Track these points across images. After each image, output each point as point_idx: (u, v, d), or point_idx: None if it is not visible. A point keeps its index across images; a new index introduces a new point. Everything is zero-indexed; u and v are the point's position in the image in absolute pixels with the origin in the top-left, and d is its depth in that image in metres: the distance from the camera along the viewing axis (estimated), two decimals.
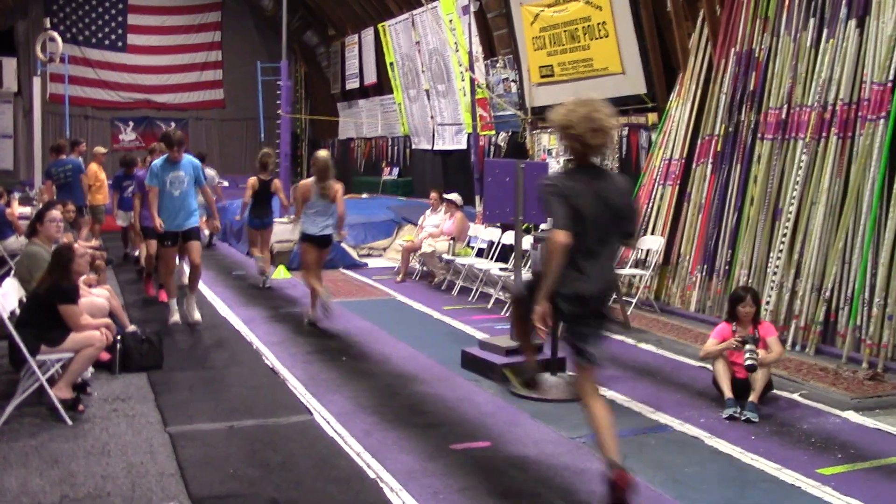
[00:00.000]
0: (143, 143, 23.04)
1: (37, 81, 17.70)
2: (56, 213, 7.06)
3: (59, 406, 5.37)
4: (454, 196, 11.76)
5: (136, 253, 11.26)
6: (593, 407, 4.22)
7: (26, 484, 4.39)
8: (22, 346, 5.34)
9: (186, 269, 8.94)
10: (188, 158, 8.18)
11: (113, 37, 24.49)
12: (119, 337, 6.55)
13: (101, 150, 13.44)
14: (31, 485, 4.39)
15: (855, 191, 7.39)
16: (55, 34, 16.70)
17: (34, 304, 5.72)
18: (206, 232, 12.53)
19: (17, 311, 5.91)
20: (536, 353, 5.69)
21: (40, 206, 9.00)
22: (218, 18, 25.65)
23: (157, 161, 8.18)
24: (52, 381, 5.56)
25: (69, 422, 5.31)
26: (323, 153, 8.68)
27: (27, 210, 11.60)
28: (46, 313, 5.61)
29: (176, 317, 8.21)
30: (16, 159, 22.94)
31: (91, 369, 6.14)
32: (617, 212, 4.21)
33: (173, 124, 24.95)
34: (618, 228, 4.26)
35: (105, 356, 6.35)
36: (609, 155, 11.01)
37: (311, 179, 8.39)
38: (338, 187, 8.42)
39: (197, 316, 8.20)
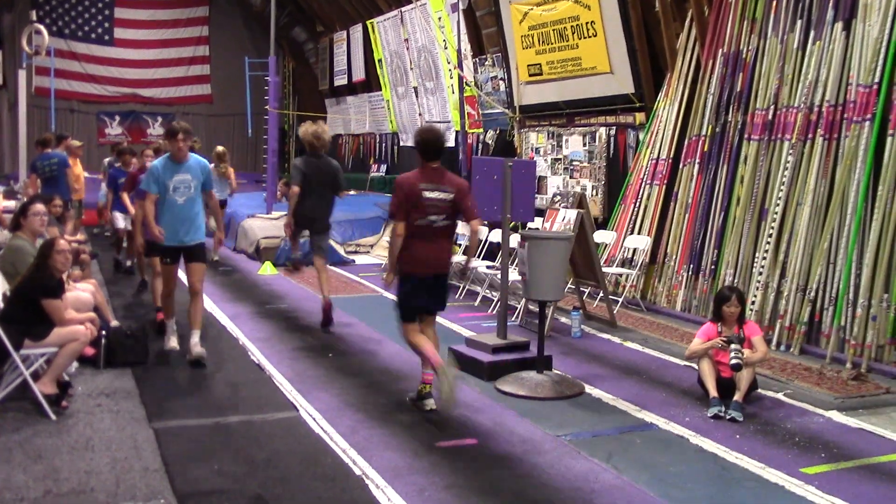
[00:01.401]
0: (130, 138, 22.92)
1: (22, 74, 17.53)
2: (40, 206, 7.01)
3: (42, 401, 5.34)
4: None
5: (129, 263, 10.85)
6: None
7: (9, 479, 4.36)
8: (5, 340, 5.30)
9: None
10: (195, 158, 6.88)
11: (100, 30, 24.34)
12: (104, 332, 6.51)
13: (75, 143, 13.30)
14: (15, 480, 4.35)
15: (840, 192, 7.44)
16: (41, 27, 16.54)
17: (18, 299, 5.68)
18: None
19: (1, 305, 5.86)
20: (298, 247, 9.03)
21: (25, 199, 8.94)
22: (206, 13, 25.54)
23: (158, 161, 6.86)
24: (35, 376, 5.53)
25: (53, 417, 5.28)
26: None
27: (11, 204, 11.51)
28: (30, 308, 5.57)
29: (173, 342, 7.10)
30: (0, 153, 22.77)
31: (76, 364, 6.11)
32: (330, 177, 8.27)
33: (160, 119, 24.86)
34: (331, 187, 8.28)
35: (90, 351, 6.31)
36: (599, 155, 11.04)
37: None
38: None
39: (199, 350, 6.72)
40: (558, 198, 9.24)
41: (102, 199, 12.82)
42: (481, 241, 7.53)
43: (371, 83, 19.91)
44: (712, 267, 8.80)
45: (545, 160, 12.13)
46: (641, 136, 10.30)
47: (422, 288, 5.71)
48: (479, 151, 14.49)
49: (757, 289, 8.05)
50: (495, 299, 9.09)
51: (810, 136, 7.87)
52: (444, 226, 5.66)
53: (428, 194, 5.56)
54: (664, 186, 9.72)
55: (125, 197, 9.73)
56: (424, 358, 5.67)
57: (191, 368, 6.63)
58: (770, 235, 8.06)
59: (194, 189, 6.75)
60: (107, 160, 13.06)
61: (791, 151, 8.02)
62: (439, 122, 16.36)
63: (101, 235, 14.20)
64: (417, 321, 5.80)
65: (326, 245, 8.85)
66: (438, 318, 8.44)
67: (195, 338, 6.76)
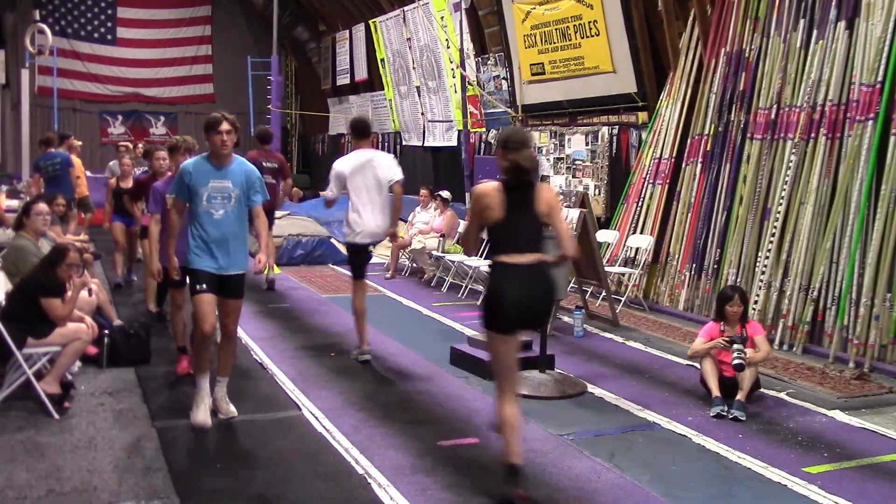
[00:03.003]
0: (132, 137, 22.92)
1: (25, 74, 17.56)
2: (43, 206, 7.02)
3: (45, 400, 5.34)
4: (446, 193, 11.76)
5: (134, 277, 10.03)
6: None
7: (12, 478, 4.37)
8: (8, 338, 5.31)
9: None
10: (240, 161, 5.35)
11: (102, 30, 24.34)
12: (106, 331, 6.52)
13: (76, 142, 13.49)
14: (17, 479, 4.36)
15: (843, 191, 7.43)
16: (44, 26, 16.59)
17: (19, 297, 5.69)
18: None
19: (3, 304, 5.86)
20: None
21: (28, 199, 8.95)
22: (208, 13, 25.52)
23: (191, 161, 5.34)
24: (38, 375, 5.53)
25: (56, 416, 5.29)
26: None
27: (14, 203, 11.52)
28: (32, 306, 5.57)
29: (202, 414, 5.19)
30: (3, 152, 22.77)
31: (78, 363, 6.12)
32: None
33: (162, 118, 24.88)
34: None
35: (92, 350, 6.32)
36: (601, 154, 11.04)
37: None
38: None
39: (231, 409, 5.37)
40: (561, 197, 9.24)
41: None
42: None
43: (373, 82, 19.90)
44: (715, 266, 8.79)
45: (548, 159, 12.12)
46: (644, 136, 10.29)
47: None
48: (482, 151, 14.48)
49: (760, 288, 8.04)
50: None
51: (813, 135, 7.86)
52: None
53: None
54: (667, 186, 9.71)
55: (136, 208, 8.60)
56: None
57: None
58: (773, 235, 8.05)
59: (235, 201, 5.19)
60: (112, 163, 12.87)
61: (794, 151, 8.01)
62: (442, 121, 16.36)
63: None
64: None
65: None
66: (440, 318, 8.51)
67: (221, 390, 5.36)
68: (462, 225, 11.54)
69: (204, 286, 5.15)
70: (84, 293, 6.79)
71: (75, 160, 12.58)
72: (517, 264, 4.20)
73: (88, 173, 13.99)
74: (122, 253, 9.94)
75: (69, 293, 5.78)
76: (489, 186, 4.30)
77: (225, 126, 5.14)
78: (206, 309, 5.15)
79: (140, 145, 12.51)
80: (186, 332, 6.20)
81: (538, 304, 4.37)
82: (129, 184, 9.55)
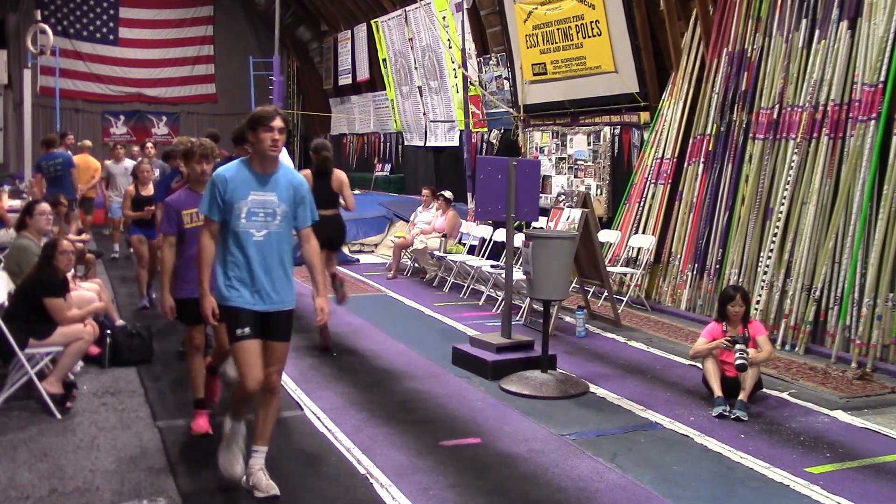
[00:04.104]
0: (135, 137, 22.95)
1: (27, 74, 17.58)
2: (46, 206, 7.02)
3: (48, 400, 5.35)
4: (448, 193, 11.77)
5: (154, 295, 8.50)
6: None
7: (15, 478, 4.37)
8: (10, 338, 5.31)
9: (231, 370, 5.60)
10: (287, 169, 4.32)
11: (104, 30, 24.36)
12: (109, 331, 6.53)
13: (86, 142, 13.75)
14: (20, 478, 4.37)
15: (845, 191, 7.42)
16: (46, 27, 16.60)
17: (21, 297, 5.70)
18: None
19: (6, 304, 5.87)
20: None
21: (30, 199, 8.95)
22: (210, 13, 25.55)
23: (226, 169, 4.22)
24: (40, 375, 5.54)
25: (58, 416, 5.29)
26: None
27: (17, 203, 11.53)
28: (33, 306, 5.58)
29: (235, 464, 4.32)
30: (6, 152, 22.81)
31: (81, 363, 6.12)
32: None
33: (164, 118, 24.90)
34: None
35: (94, 350, 6.33)
36: (603, 154, 11.04)
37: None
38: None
39: (272, 484, 4.25)
40: (563, 197, 9.24)
41: (119, 212, 11.32)
42: None
43: (375, 83, 19.91)
44: (717, 266, 8.79)
45: (549, 159, 12.12)
46: (646, 136, 10.29)
47: None
48: (484, 151, 14.48)
49: (762, 288, 8.03)
50: (499, 299, 9.09)
51: (815, 135, 7.85)
52: None
53: None
54: (669, 186, 9.71)
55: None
56: None
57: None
58: (775, 235, 8.04)
59: (282, 218, 4.18)
60: (108, 162, 12.65)
61: (796, 150, 8.00)
62: (443, 121, 16.36)
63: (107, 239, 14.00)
64: None
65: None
66: (441, 318, 8.47)
67: (259, 461, 4.27)
68: (462, 224, 11.56)
69: (247, 330, 4.12)
70: (85, 293, 6.81)
71: (90, 159, 12.76)
72: (322, 215, 5.20)
73: None
74: (145, 268, 8.74)
75: (72, 290, 5.79)
76: (307, 172, 7.01)
77: (278, 122, 4.11)
78: (251, 359, 4.13)
79: (149, 144, 12.02)
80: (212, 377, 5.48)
81: (334, 235, 7.38)
82: (149, 191, 8.67)
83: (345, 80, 21.55)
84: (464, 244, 11.37)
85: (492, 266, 9.75)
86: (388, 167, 19.88)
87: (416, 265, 11.68)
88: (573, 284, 8.95)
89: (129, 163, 12.03)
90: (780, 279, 7.88)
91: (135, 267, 9.01)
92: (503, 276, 7.88)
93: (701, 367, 6.16)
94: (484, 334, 7.28)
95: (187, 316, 5.02)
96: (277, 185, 4.20)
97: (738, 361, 5.73)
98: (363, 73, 20.40)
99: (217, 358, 5.45)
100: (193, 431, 5.11)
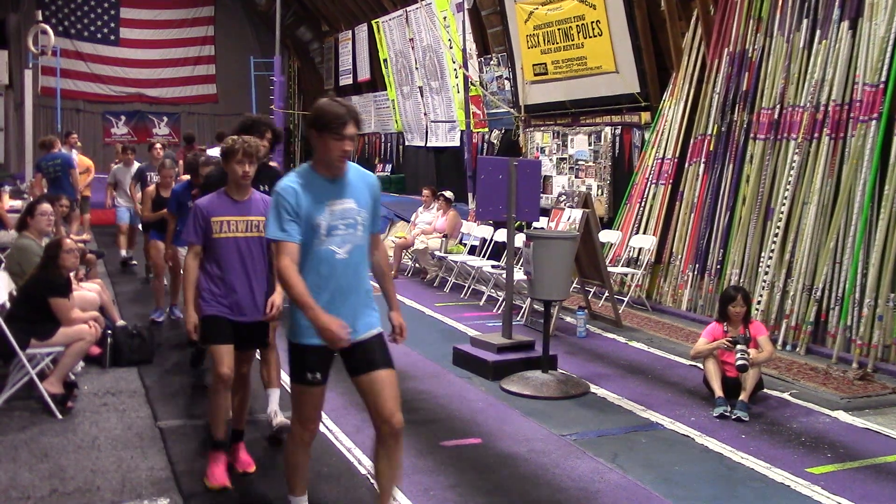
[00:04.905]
0: (135, 138, 22.97)
1: (28, 74, 17.60)
2: (47, 206, 7.02)
3: (48, 400, 5.35)
4: (448, 193, 11.77)
5: (179, 313, 7.89)
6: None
7: (15, 478, 4.37)
8: (11, 339, 5.32)
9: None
10: (355, 168, 3.63)
11: (105, 30, 24.39)
12: (109, 331, 6.53)
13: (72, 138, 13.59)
14: (21, 479, 4.37)
15: (846, 191, 7.42)
16: (47, 27, 16.62)
17: (24, 298, 5.70)
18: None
19: (7, 305, 5.88)
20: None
21: (31, 199, 8.95)
22: (211, 13, 25.59)
23: (295, 177, 3.50)
24: (41, 375, 5.54)
25: (59, 416, 5.29)
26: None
27: (18, 203, 11.53)
28: (36, 307, 5.58)
29: None
30: (7, 153, 22.84)
31: (82, 363, 6.12)
32: None
33: (165, 119, 24.92)
34: None
35: (95, 350, 6.33)
36: (604, 154, 11.03)
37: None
38: None
39: None
40: (563, 197, 9.24)
41: (125, 218, 11.08)
42: None
43: (376, 83, 19.92)
44: (718, 266, 8.78)
45: (550, 160, 12.12)
46: (647, 136, 10.29)
47: None
48: (485, 151, 14.48)
49: (763, 288, 8.03)
50: (500, 299, 9.09)
51: (816, 135, 7.85)
52: None
53: None
54: (670, 186, 9.71)
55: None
56: None
57: (196, 368, 6.62)
58: (776, 235, 8.04)
59: (363, 228, 3.57)
60: (116, 167, 11.66)
61: (797, 151, 8.00)
62: (444, 121, 16.37)
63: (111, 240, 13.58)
64: None
65: None
66: (442, 318, 8.44)
67: None
68: (463, 225, 11.56)
69: (318, 376, 3.57)
70: (87, 293, 6.81)
71: (82, 158, 12.62)
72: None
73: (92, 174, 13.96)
74: (161, 278, 8.21)
75: (74, 289, 5.79)
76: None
77: (350, 130, 3.42)
78: (312, 410, 3.62)
79: (158, 145, 10.89)
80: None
81: None
82: (168, 194, 7.88)
83: (346, 80, 21.57)
84: (464, 244, 11.37)
85: (492, 266, 9.75)
86: (388, 167, 19.89)
87: (417, 265, 11.68)
88: (574, 285, 8.95)
89: (135, 165, 11.15)
90: (781, 279, 7.88)
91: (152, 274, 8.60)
92: (504, 276, 7.88)
93: (702, 367, 6.16)
94: (484, 334, 7.28)
95: (214, 334, 4.36)
96: (353, 188, 3.54)
97: (739, 362, 5.73)
98: (364, 74, 20.41)
99: (237, 410, 4.63)
100: (210, 485, 4.29)
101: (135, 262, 11.19)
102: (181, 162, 10.20)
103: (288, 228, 3.40)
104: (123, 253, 11.35)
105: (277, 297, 4.43)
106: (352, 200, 3.51)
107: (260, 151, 4.49)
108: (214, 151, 10.89)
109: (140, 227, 9.40)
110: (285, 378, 4.61)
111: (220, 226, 4.36)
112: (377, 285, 3.77)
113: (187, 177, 7.18)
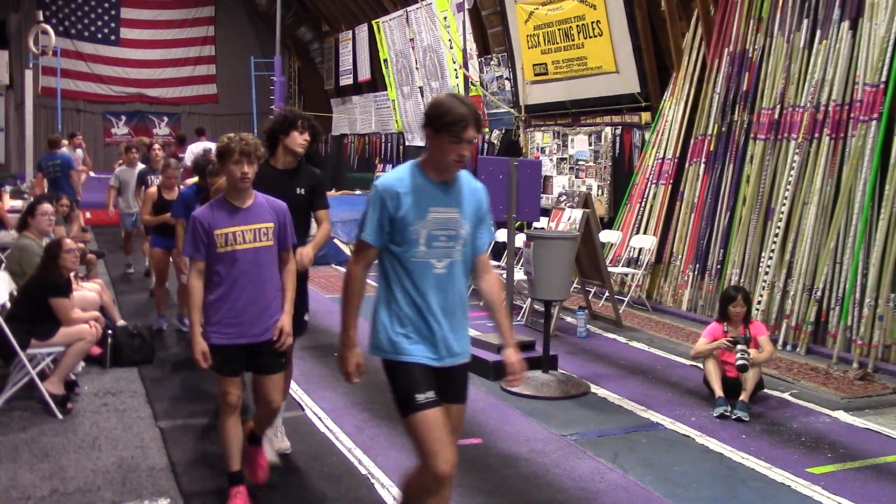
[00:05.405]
0: (136, 138, 22.94)
1: (29, 74, 17.62)
2: (48, 206, 7.03)
3: (49, 400, 5.35)
4: None
5: (186, 321, 7.32)
6: None
7: (16, 478, 4.38)
8: (12, 339, 5.32)
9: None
10: (467, 177, 3.28)
11: (106, 30, 24.38)
12: (110, 331, 6.53)
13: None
14: (21, 479, 4.37)
15: (847, 191, 7.42)
16: (48, 27, 16.63)
17: (25, 298, 5.70)
18: None
19: (8, 305, 5.88)
20: None
21: (31, 199, 8.95)
22: (212, 13, 25.57)
23: (396, 179, 3.17)
24: (41, 375, 5.54)
25: (60, 416, 5.30)
26: None
27: (18, 203, 11.54)
28: (37, 307, 5.58)
29: None
30: (7, 153, 22.83)
31: (82, 363, 6.13)
32: None
33: (166, 119, 24.91)
34: None
35: (96, 350, 6.33)
36: (604, 154, 11.04)
37: None
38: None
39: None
40: (564, 197, 9.23)
41: (131, 224, 10.50)
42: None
43: (376, 83, 19.91)
44: (718, 266, 8.78)
45: (551, 160, 12.12)
46: (647, 136, 10.28)
47: None
48: (485, 151, 14.48)
49: (763, 288, 8.03)
50: None
51: (817, 135, 7.85)
52: None
53: None
54: (670, 186, 9.71)
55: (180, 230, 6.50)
56: None
57: (197, 368, 6.59)
58: (776, 235, 8.04)
59: (465, 242, 3.22)
60: (120, 168, 10.98)
61: (797, 151, 8.00)
62: None
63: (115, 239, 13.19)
64: None
65: None
66: None
67: None
68: None
69: (431, 394, 3.13)
70: (88, 293, 6.82)
71: (87, 157, 12.55)
72: None
73: (92, 174, 13.95)
74: (164, 286, 7.92)
75: (74, 289, 5.79)
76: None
77: (470, 133, 3.07)
78: (440, 433, 3.10)
79: (157, 146, 10.05)
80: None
81: None
82: (173, 195, 7.54)
83: (346, 80, 21.57)
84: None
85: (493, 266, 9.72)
86: (389, 167, 19.89)
87: None
88: (574, 285, 8.95)
89: (140, 166, 10.34)
90: (782, 279, 7.88)
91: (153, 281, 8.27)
92: (504, 276, 7.88)
93: (702, 367, 6.16)
94: (485, 334, 7.28)
95: (222, 366, 3.98)
96: (461, 196, 3.17)
97: (740, 362, 5.73)
98: (364, 74, 20.40)
99: (261, 421, 4.25)
100: None
101: (132, 270, 10.79)
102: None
103: (375, 231, 3.12)
104: (129, 261, 10.95)
105: (286, 320, 4.02)
106: (457, 210, 3.15)
107: (259, 151, 3.98)
108: (195, 147, 10.72)
109: (143, 228, 9.12)
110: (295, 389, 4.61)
111: (224, 239, 3.89)
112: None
113: (195, 179, 6.95)
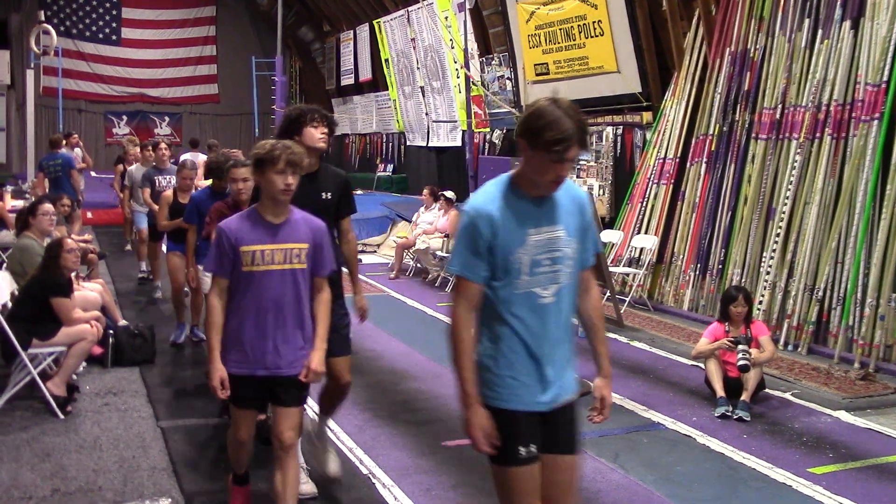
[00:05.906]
0: (136, 138, 22.94)
1: (30, 74, 17.61)
2: (49, 206, 7.03)
3: (50, 400, 5.35)
4: (450, 193, 11.78)
5: (201, 334, 6.87)
6: None
7: (17, 477, 4.38)
8: (13, 339, 5.32)
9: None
10: (567, 185, 2.80)
11: (107, 30, 24.42)
12: (111, 331, 6.53)
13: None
14: (23, 478, 4.37)
15: (848, 191, 7.41)
16: (49, 27, 16.63)
17: (26, 298, 5.70)
18: None
19: (9, 305, 5.88)
20: None
21: (33, 199, 8.95)
22: (213, 13, 25.61)
23: (486, 201, 2.72)
24: (43, 375, 5.54)
25: (61, 416, 5.30)
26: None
27: (19, 203, 11.55)
28: (38, 306, 5.59)
29: None
30: (8, 153, 22.86)
31: (83, 363, 6.13)
32: None
33: (167, 118, 24.94)
34: None
35: (97, 350, 6.33)
36: (605, 154, 11.04)
37: None
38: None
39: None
40: None
41: (144, 223, 9.44)
42: None
43: (378, 83, 19.93)
44: (719, 266, 8.78)
45: None
46: (648, 136, 10.28)
47: None
48: (486, 151, 14.49)
49: (764, 288, 8.02)
50: None
51: (818, 135, 7.84)
52: None
53: None
54: (671, 186, 9.70)
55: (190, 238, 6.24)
56: None
57: (198, 367, 6.62)
58: (777, 235, 8.03)
59: (572, 263, 2.81)
60: (133, 167, 10.28)
61: (799, 150, 8.00)
62: (446, 121, 16.37)
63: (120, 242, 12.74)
64: None
65: None
66: (444, 318, 8.40)
67: None
68: None
69: (534, 449, 2.79)
70: (88, 293, 6.82)
71: (86, 156, 12.56)
72: None
73: (93, 173, 13.94)
74: (181, 293, 7.35)
75: (75, 290, 5.79)
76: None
77: (574, 152, 2.70)
78: (533, 490, 2.83)
79: (163, 145, 9.24)
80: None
81: None
82: (187, 199, 7.01)
83: (347, 80, 21.59)
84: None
85: None
86: (390, 167, 19.90)
87: (419, 265, 11.68)
88: None
89: (135, 166, 10.16)
90: (783, 279, 7.87)
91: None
92: None
93: (703, 367, 6.16)
94: None
95: (239, 398, 3.61)
96: (560, 210, 2.75)
97: (741, 362, 5.73)
98: (365, 74, 20.42)
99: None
100: None
101: (157, 283, 9.37)
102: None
103: (474, 264, 2.69)
104: (144, 266, 10.08)
105: (317, 358, 3.57)
106: (562, 228, 2.72)
107: (304, 161, 3.59)
108: (187, 157, 10.51)
109: (145, 230, 8.96)
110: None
111: (251, 257, 3.46)
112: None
113: (208, 182, 6.67)
